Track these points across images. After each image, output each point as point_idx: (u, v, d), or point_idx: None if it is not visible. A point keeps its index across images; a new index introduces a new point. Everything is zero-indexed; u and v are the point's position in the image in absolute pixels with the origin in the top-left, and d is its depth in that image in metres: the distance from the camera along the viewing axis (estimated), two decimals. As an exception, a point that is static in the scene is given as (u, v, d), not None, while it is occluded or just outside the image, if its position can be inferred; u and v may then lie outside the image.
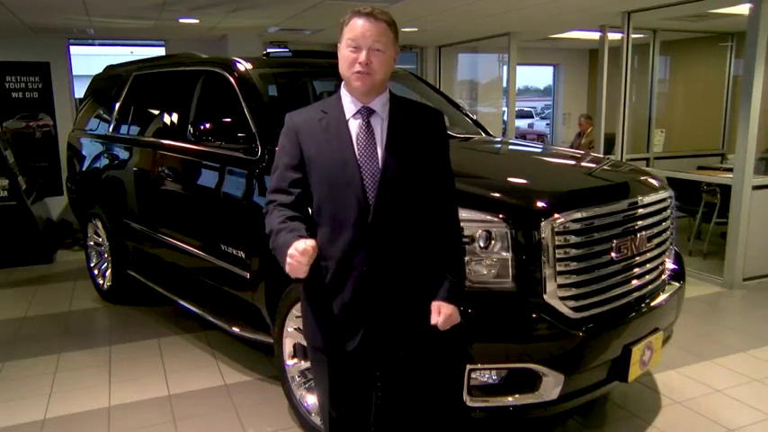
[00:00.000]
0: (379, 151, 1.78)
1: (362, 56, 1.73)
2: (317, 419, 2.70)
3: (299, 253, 1.61)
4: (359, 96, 1.81)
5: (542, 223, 2.32)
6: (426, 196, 1.85)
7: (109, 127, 4.67)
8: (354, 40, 1.74)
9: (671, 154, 7.45)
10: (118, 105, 4.61)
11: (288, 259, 1.63)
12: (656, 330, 2.66)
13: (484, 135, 3.90)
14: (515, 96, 8.13)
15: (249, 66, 3.43)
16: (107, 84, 4.96)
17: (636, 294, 2.63)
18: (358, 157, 1.77)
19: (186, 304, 3.74)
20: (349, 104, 1.82)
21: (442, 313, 1.83)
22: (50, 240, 6.29)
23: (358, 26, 1.74)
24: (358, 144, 1.78)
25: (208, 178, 3.43)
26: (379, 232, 1.76)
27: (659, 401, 3.14)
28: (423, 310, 1.87)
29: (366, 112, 1.81)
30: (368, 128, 1.80)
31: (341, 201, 1.77)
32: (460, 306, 1.89)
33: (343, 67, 1.79)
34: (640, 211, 2.64)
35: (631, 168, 3.22)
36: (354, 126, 1.80)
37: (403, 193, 1.79)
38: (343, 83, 1.86)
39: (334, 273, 1.80)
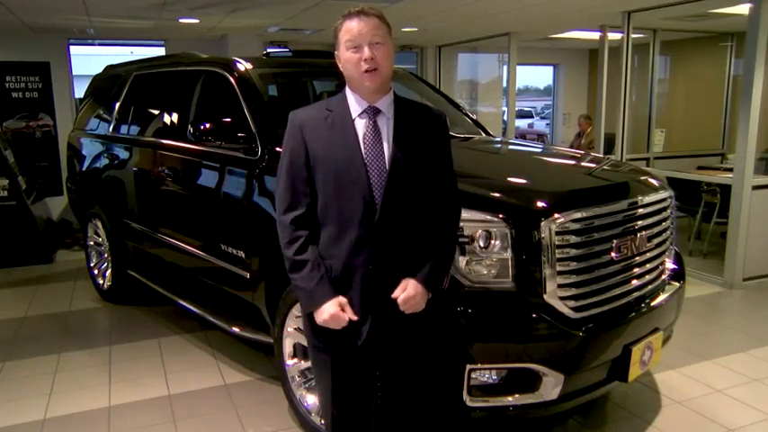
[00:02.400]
0: (386, 150, 1.79)
1: (366, 52, 1.74)
2: (317, 419, 2.70)
3: (334, 322, 1.78)
4: (366, 96, 1.82)
5: (542, 223, 2.32)
6: (431, 195, 1.86)
7: (109, 127, 4.67)
8: (353, 40, 1.76)
9: (671, 154, 7.45)
10: (118, 105, 4.61)
11: (324, 317, 1.78)
12: (656, 330, 2.66)
13: (484, 135, 3.90)
14: (515, 96, 8.13)
15: (249, 66, 3.43)
16: (107, 84, 4.96)
17: (636, 294, 2.63)
18: (364, 155, 1.78)
19: (186, 304, 3.74)
20: (355, 104, 1.83)
21: (407, 290, 1.79)
22: (50, 240, 6.29)
23: (353, 26, 1.76)
24: (365, 143, 1.79)
25: (208, 178, 3.42)
26: (385, 231, 1.77)
27: (659, 401, 3.14)
28: (425, 309, 1.87)
29: (372, 112, 1.82)
30: (375, 127, 1.81)
31: (347, 199, 1.77)
32: (433, 293, 1.85)
33: (349, 70, 1.79)
34: (640, 211, 2.64)
35: (631, 168, 3.22)
36: (360, 125, 1.81)
37: (409, 192, 1.80)
38: (347, 84, 1.87)
39: (340, 272, 1.80)
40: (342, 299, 1.79)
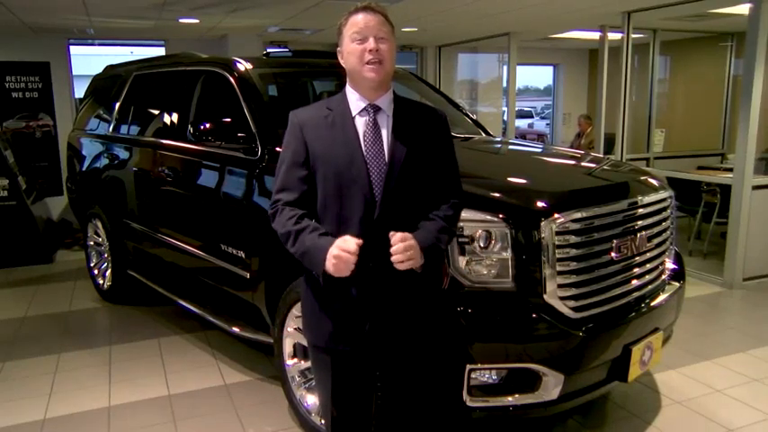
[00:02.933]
0: (386, 148, 1.79)
1: (371, 43, 1.75)
2: (317, 419, 2.70)
3: (349, 253, 1.66)
4: (367, 92, 1.82)
5: (542, 223, 2.32)
6: (431, 192, 1.86)
7: (109, 127, 4.67)
8: (359, 32, 1.77)
9: (671, 154, 7.45)
10: (118, 105, 4.61)
11: (333, 260, 1.67)
12: (656, 330, 2.66)
13: (484, 135, 3.90)
14: (515, 96, 8.13)
15: (249, 66, 3.43)
16: (107, 84, 4.96)
17: (636, 294, 2.63)
18: (365, 153, 1.78)
19: (186, 304, 3.74)
20: (355, 102, 1.83)
21: (405, 240, 1.70)
22: (50, 240, 6.29)
23: (359, 19, 1.78)
24: (365, 141, 1.79)
25: (208, 178, 3.43)
26: (385, 229, 1.76)
27: (659, 401, 3.14)
28: (426, 306, 1.87)
29: (372, 110, 1.82)
30: (375, 125, 1.81)
31: (347, 197, 1.77)
32: (426, 260, 1.76)
33: (352, 62, 1.79)
34: (640, 211, 2.64)
35: (631, 168, 3.22)
36: (361, 123, 1.81)
37: (408, 190, 1.80)
38: (348, 81, 1.87)
39: None
40: (339, 238, 1.70)
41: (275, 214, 1.84)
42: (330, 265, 1.69)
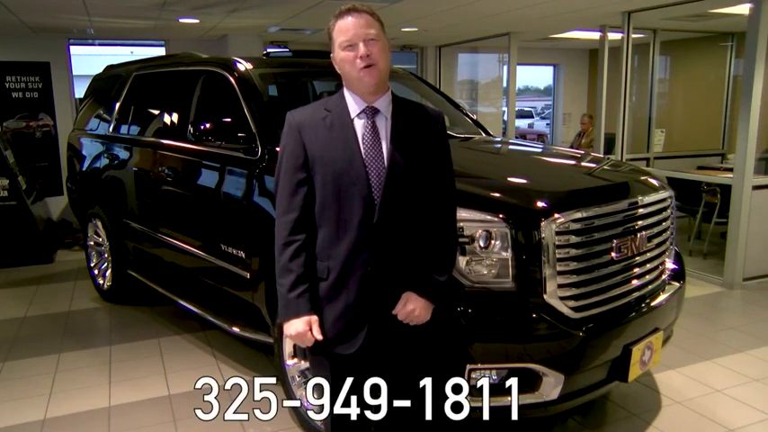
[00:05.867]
0: (385, 151, 1.78)
1: (361, 49, 1.74)
2: (317, 419, 2.70)
3: (299, 340, 1.82)
4: (365, 95, 1.81)
5: (542, 223, 2.32)
6: (429, 196, 1.85)
7: (109, 127, 4.68)
8: (347, 39, 1.76)
9: (671, 154, 7.45)
10: (118, 105, 4.61)
11: (292, 332, 1.81)
12: (656, 330, 2.66)
13: (484, 135, 3.90)
14: (515, 96, 8.14)
15: (249, 66, 3.43)
16: (107, 84, 4.96)
17: (636, 294, 2.63)
18: (364, 156, 1.77)
19: (186, 304, 3.74)
20: (353, 104, 1.82)
21: (406, 306, 1.81)
22: (50, 240, 6.29)
23: (346, 26, 1.77)
24: (364, 143, 1.78)
25: (208, 178, 3.42)
26: (384, 232, 1.76)
27: (659, 401, 3.14)
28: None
29: (371, 112, 1.81)
30: (373, 127, 1.80)
31: (346, 200, 1.76)
32: (437, 304, 1.87)
33: (346, 69, 1.79)
34: (640, 211, 2.64)
35: (631, 168, 3.22)
36: (359, 125, 1.80)
37: (408, 193, 1.79)
38: (345, 85, 1.86)
39: (338, 273, 1.79)
40: (313, 317, 1.79)
41: (277, 228, 1.84)
42: (286, 332, 1.83)
